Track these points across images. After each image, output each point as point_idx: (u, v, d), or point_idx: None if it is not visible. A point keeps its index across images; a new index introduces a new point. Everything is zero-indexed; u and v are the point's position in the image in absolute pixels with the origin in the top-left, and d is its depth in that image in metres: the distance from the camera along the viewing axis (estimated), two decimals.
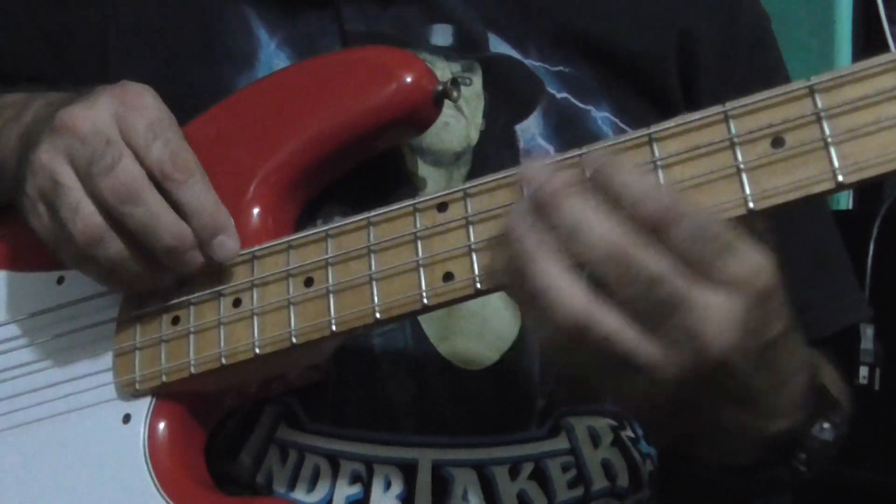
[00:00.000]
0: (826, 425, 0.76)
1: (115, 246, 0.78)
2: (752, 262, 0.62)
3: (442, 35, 0.94)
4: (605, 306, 0.61)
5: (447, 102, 0.87)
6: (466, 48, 0.94)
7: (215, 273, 0.82)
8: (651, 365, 0.61)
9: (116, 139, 0.77)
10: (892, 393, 1.46)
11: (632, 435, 0.97)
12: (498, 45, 0.95)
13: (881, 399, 1.45)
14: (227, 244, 0.80)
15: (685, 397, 0.64)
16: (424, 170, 0.91)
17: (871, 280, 1.49)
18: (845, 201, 1.82)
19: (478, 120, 0.93)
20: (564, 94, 0.94)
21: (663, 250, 0.60)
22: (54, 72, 0.98)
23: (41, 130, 0.80)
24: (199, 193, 0.79)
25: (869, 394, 1.44)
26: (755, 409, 0.68)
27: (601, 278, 0.61)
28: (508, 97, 0.94)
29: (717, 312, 0.61)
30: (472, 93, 0.93)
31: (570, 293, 0.61)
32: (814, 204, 0.98)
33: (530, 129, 0.93)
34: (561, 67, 0.95)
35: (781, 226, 0.96)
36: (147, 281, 0.81)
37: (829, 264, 1.00)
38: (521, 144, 0.92)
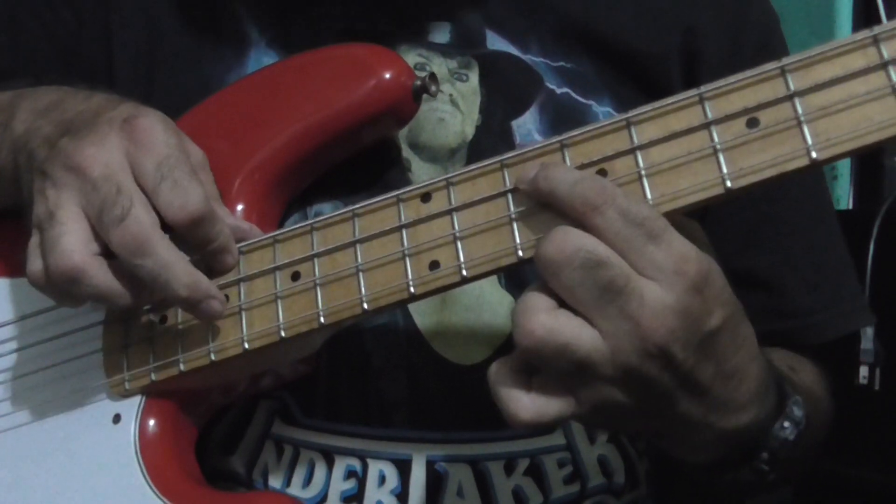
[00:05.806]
0: (787, 424, 0.75)
1: (89, 287, 0.75)
2: (679, 250, 0.64)
3: (439, 33, 0.95)
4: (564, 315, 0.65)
5: (446, 99, 0.89)
6: (464, 45, 0.95)
7: (201, 271, 0.81)
8: (598, 358, 0.64)
9: (127, 185, 0.74)
10: (892, 393, 1.45)
11: None
12: (496, 43, 0.95)
13: (881, 399, 1.45)
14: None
15: (636, 392, 0.66)
16: (420, 166, 0.91)
17: (871, 280, 1.48)
18: (845, 201, 1.81)
19: (474, 115, 0.93)
20: (565, 89, 0.94)
21: (602, 237, 0.64)
22: (59, 71, 0.98)
23: (44, 156, 0.77)
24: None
25: (869, 394, 1.44)
26: (705, 402, 0.68)
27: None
28: (505, 93, 0.94)
29: (653, 299, 0.63)
30: (469, 88, 0.93)
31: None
32: (819, 207, 0.99)
33: (526, 124, 0.93)
34: (562, 63, 0.95)
35: (787, 229, 0.96)
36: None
37: (833, 269, 1.00)
38: (517, 140, 0.93)
